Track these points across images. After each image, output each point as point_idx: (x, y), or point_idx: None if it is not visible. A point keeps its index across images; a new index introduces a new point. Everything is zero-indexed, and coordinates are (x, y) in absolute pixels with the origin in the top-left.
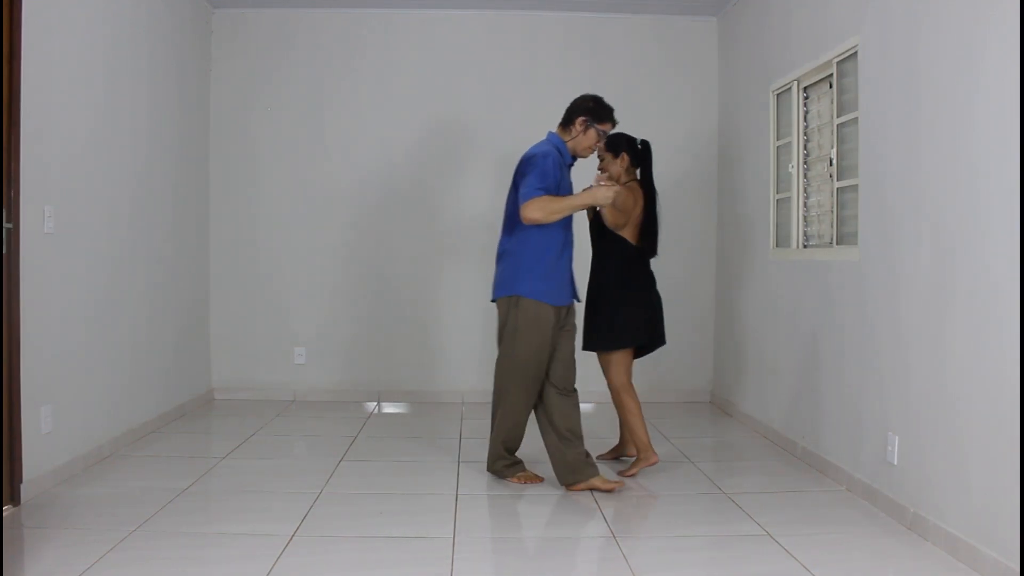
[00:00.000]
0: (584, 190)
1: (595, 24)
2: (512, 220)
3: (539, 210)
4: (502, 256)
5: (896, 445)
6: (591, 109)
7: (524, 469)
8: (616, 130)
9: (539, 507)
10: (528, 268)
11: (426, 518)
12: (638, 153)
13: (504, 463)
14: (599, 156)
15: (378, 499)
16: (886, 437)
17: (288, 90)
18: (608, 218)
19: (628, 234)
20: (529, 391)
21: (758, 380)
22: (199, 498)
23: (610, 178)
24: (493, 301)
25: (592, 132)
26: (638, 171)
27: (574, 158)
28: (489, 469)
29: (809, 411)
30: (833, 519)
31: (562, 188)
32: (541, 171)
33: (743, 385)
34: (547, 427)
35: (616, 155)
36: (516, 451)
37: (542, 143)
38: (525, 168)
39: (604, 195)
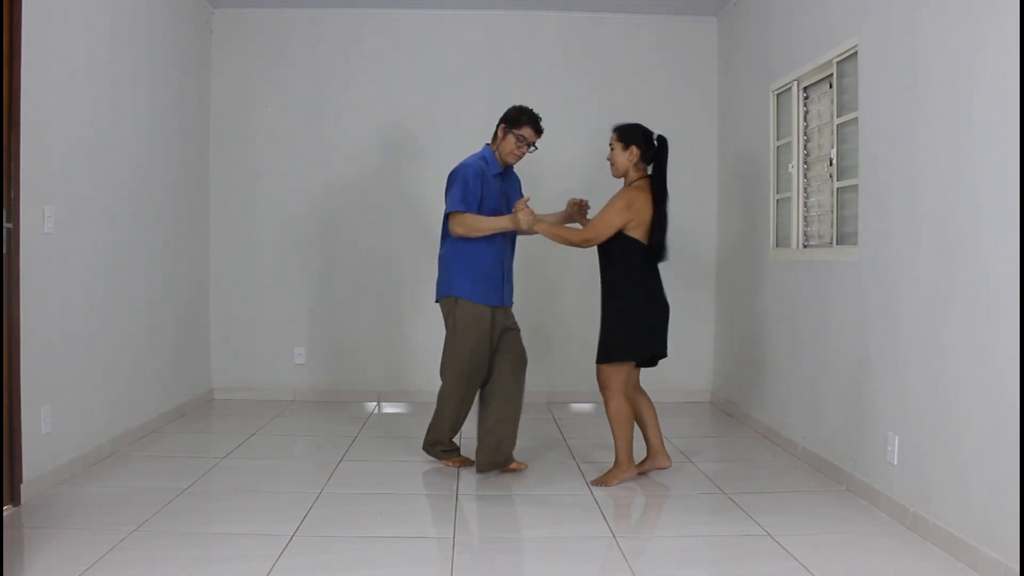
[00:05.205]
0: (512, 213)
1: (595, 24)
2: (446, 227)
3: (462, 226)
4: (440, 260)
5: (896, 445)
6: (509, 116)
7: (459, 455)
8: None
9: (539, 507)
10: (465, 271)
11: (426, 518)
12: (652, 148)
13: (442, 448)
14: (610, 145)
15: (378, 499)
16: (886, 437)
17: (288, 90)
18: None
19: (640, 236)
20: (468, 385)
21: (758, 380)
22: (199, 498)
23: (614, 167)
24: (436, 302)
25: (511, 137)
26: (650, 168)
27: (506, 167)
28: (425, 449)
29: (809, 411)
30: (833, 519)
31: (487, 197)
32: (463, 182)
33: (743, 385)
34: (485, 414)
35: (626, 146)
36: (455, 437)
37: (473, 154)
38: (449, 181)
39: (526, 220)
